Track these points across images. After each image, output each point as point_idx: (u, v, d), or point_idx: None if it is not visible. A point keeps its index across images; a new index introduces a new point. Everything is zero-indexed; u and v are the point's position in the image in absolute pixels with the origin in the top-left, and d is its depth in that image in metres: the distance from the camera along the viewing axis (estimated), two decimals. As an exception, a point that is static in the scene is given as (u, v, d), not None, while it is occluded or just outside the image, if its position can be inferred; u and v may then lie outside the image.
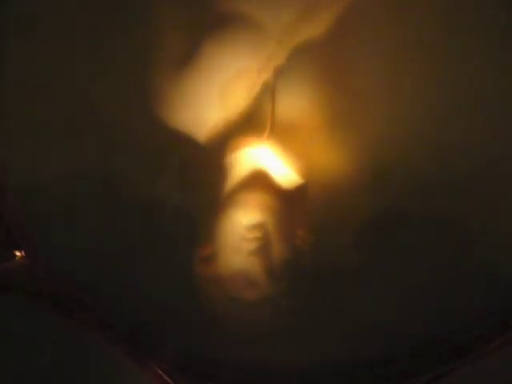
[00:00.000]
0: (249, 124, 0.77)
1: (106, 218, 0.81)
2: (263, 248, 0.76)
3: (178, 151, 0.78)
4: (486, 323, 0.74)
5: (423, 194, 0.75)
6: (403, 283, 0.76)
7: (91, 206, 0.81)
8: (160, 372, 0.82)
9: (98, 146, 0.80)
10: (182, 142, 0.77)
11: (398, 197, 0.75)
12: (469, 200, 0.75)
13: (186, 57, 0.76)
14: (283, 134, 0.77)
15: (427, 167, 0.74)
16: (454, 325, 0.75)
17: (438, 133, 0.74)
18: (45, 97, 0.80)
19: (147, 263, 0.80)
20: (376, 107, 0.75)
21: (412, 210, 0.76)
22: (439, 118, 0.74)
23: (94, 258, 0.81)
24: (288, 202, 0.78)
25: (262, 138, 0.78)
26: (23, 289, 0.85)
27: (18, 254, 0.91)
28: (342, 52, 0.75)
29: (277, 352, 0.78)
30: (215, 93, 0.76)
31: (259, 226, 0.76)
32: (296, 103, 0.77)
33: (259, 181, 0.78)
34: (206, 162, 0.78)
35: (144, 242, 0.80)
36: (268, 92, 0.76)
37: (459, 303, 0.75)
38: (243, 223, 0.76)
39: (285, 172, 0.78)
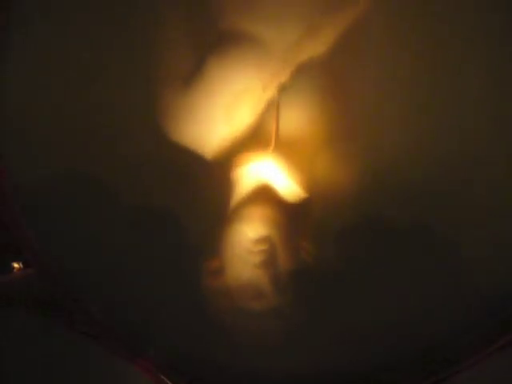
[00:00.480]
0: (254, 139, 0.78)
1: (109, 229, 0.82)
2: (269, 260, 0.78)
3: (185, 166, 0.79)
4: (486, 325, 0.76)
5: (425, 205, 0.76)
6: (405, 288, 0.77)
7: (94, 217, 0.82)
8: (164, 378, 0.84)
9: (103, 159, 0.81)
10: (189, 157, 0.78)
11: (400, 208, 0.76)
12: (470, 207, 0.76)
13: (193, 74, 0.77)
14: (287, 149, 0.78)
15: (431, 179, 0.76)
16: (455, 327, 0.77)
17: (442, 145, 0.75)
18: (45, 98, 0.80)
19: (155, 275, 0.81)
20: (378, 122, 0.76)
21: (414, 219, 0.77)
22: (443, 131, 0.75)
23: (101, 267, 0.82)
24: (292, 215, 0.79)
25: (266, 152, 0.79)
26: (22, 299, 0.86)
27: (15, 265, 0.92)
28: (345, 70, 0.76)
29: (281, 359, 0.81)
30: (221, 109, 0.77)
31: (265, 239, 0.78)
32: (299, 119, 0.78)
33: (264, 195, 0.79)
34: (213, 176, 0.79)
35: (153, 254, 0.81)
36: (272, 108, 0.77)
37: (458, 304, 0.77)
38: (249, 236, 0.78)
39: (289, 186, 0.79)
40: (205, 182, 0.79)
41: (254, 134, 0.78)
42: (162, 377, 0.83)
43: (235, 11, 0.76)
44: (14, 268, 0.94)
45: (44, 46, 0.78)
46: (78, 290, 0.83)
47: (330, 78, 0.77)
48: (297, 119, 0.78)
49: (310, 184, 0.79)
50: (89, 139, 0.80)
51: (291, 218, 0.79)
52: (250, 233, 0.78)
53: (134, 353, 0.82)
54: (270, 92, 0.77)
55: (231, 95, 0.77)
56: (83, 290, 0.83)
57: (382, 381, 0.79)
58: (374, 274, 0.77)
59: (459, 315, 0.77)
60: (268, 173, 0.79)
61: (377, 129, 0.77)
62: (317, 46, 0.75)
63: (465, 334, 0.77)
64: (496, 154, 0.75)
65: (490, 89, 0.73)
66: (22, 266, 0.94)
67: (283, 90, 0.77)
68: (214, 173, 0.79)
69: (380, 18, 0.74)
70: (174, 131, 0.78)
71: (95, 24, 0.78)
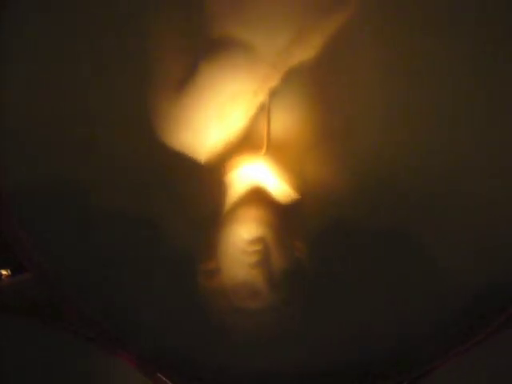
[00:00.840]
0: (246, 143, 0.79)
1: (108, 230, 0.83)
2: (263, 260, 0.80)
3: (178, 169, 0.80)
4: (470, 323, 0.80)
5: (420, 205, 0.78)
6: (399, 288, 0.81)
7: (88, 216, 0.83)
8: (164, 379, 0.85)
9: (101, 161, 0.81)
10: (182, 160, 0.79)
11: (392, 208, 0.79)
12: (466, 207, 0.79)
13: (185, 80, 0.78)
14: (278, 152, 0.80)
15: (420, 182, 0.78)
16: (446, 326, 0.81)
17: (428, 148, 0.77)
18: (43, 99, 0.79)
19: (153, 277, 0.83)
20: (366, 125, 0.78)
21: (407, 219, 0.79)
22: (430, 133, 0.77)
23: (100, 267, 0.84)
24: (285, 216, 0.81)
25: (258, 155, 0.80)
26: (16, 304, 0.86)
27: (4, 272, 0.92)
28: (334, 74, 0.77)
29: (280, 359, 0.83)
30: (213, 114, 0.78)
31: (259, 240, 0.79)
32: (290, 122, 0.79)
33: (257, 196, 0.81)
34: (206, 179, 0.80)
35: (149, 256, 0.83)
36: (263, 112, 0.78)
37: (452, 305, 0.80)
38: (244, 237, 0.80)
39: (281, 187, 0.81)
40: (198, 184, 0.80)
41: (246, 137, 0.79)
42: (162, 377, 0.85)
43: (225, 16, 0.76)
44: (2, 275, 0.93)
45: (43, 46, 0.78)
46: (76, 290, 0.83)
47: (319, 82, 0.78)
48: (288, 123, 0.79)
49: (301, 185, 0.80)
50: (86, 141, 0.80)
51: (284, 218, 0.81)
52: (244, 234, 0.80)
53: (133, 353, 0.84)
54: (261, 96, 0.78)
55: (223, 100, 0.78)
56: (82, 291, 0.83)
57: (379, 380, 0.83)
58: (367, 273, 0.80)
59: (453, 315, 0.81)
60: (260, 175, 0.81)
61: (366, 131, 0.78)
62: (306, 51, 0.76)
63: (454, 332, 0.80)
64: (482, 155, 0.78)
65: (478, 94, 0.76)
66: (9, 272, 0.94)
67: (274, 94, 0.78)
68: (207, 176, 0.80)
69: (369, 21, 0.75)
70: (167, 135, 0.79)
71: (95, 24, 0.78)
